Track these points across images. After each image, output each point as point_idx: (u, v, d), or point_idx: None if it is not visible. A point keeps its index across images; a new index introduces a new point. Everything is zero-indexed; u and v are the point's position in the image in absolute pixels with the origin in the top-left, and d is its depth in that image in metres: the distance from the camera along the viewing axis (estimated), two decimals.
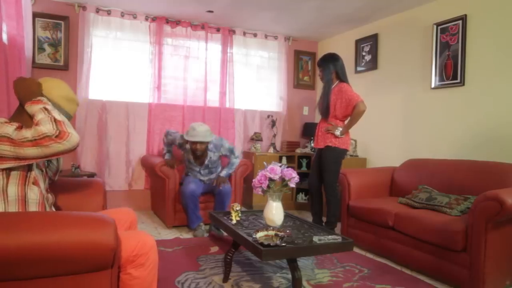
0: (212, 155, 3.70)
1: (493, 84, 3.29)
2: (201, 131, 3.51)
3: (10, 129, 1.43)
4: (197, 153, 3.59)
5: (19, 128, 1.46)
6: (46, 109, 1.49)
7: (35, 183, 1.58)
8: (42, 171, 1.68)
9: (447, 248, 2.49)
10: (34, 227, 1.27)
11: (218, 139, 3.78)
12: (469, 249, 2.37)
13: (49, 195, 1.72)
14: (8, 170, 1.48)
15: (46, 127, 1.42)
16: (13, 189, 1.50)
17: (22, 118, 1.58)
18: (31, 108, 1.52)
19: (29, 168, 1.56)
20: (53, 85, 1.65)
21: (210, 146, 3.68)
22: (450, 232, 2.45)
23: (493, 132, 3.28)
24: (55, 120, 1.46)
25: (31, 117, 1.56)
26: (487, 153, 3.29)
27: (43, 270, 1.29)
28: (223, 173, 3.77)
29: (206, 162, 3.71)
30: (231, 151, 3.81)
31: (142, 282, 1.59)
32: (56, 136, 1.41)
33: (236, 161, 3.85)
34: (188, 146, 3.67)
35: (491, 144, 3.29)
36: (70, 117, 1.72)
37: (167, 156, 3.96)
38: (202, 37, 4.84)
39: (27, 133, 1.41)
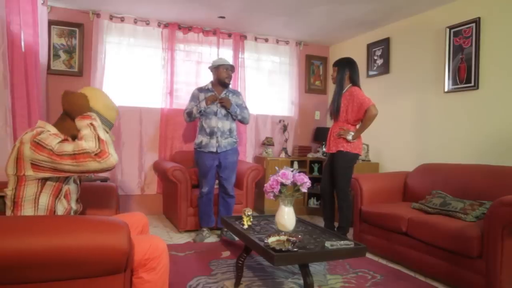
0: (230, 96, 3.64)
1: (507, 87, 3.24)
2: (226, 59, 3.68)
3: (54, 142, 1.47)
4: (226, 80, 3.60)
5: (64, 141, 1.50)
6: (92, 125, 1.53)
7: (66, 196, 1.63)
8: (77, 184, 1.73)
9: (462, 254, 2.45)
10: (48, 231, 1.29)
11: (236, 90, 3.98)
12: (485, 256, 2.32)
13: (79, 205, 1.76)
14: (43, 180, 1.53)
15: (89, 144, 1.46)
16: (44, 199, 1.54)
17: (65, 124, 1.63)
18: (79, 122, 1.56)
19: (65, 181, 1.62)
20: (93, 95, 1.69)
21: (230, 89, 3.72)
22: (465, 238, 2.41)
23: (508, 136, 3.23)
24: (99, 138, 1.49)
25: (74, 125, 1.61)
26: (502, 157, 3.23)
27: (56, 274, 1.31)
28: (233, 105, 3.61)
29: (224, 94, 3.64)
30: (246, 106, 3.76)
31: (154, 286, 1.60)
32: (96, 154, 1.45)
33: (247, 119, 3.75)
34: (203, 96, 3.61)
35: (506, 148, 3.23)
36: (112, 125, 1.76)
37: (200, 107, 3.56)
38: (214, 42, 4.88)
39: (69, 147, 1.45)
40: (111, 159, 1.48)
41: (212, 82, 3.70)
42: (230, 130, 3.63)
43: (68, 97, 1.62)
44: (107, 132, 1.68)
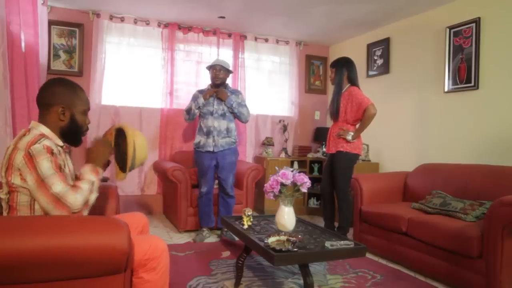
0: (229, 95, 3.63)
1: (508, 87, 3.24)
2: (222, 60, 3.70)
3: (45, 166, 1.46)
4: (216, 81, 3.60)
5: (57, 167, 1.49)
6: (93, 184, 1.62)
7: None
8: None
9: (462, 254, 2.45)
10: (48, 231, 1.29)
11: (237, 89, 3.94)
12: (485, 256, 2.32)
13: None
14: None
15: (77, 200, 1.50)
16: (39, 205, 1.52)
17: (51, 121, 1.62)
18: (87, 172, 1.64)
19: None
20: (140, 145, 1.79)
21: (230, 89, 3.72)
22: (465, 238, 2.41)
23: (508, 136, 3.23)
24: (87, 201, 1.57)
25: (58, 118, 1.61)
26: (502, 157, 3.23)
27: (56, 274, 1.31)
28: (230, 97, 3.60)
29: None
30: (245, 104, 3.73)
31: (154, 286, 1.60)
32: (73, 212, 1.50)
33: (245, 116, 3.68)
34: (201, 99, 3.63)
35: (506, 148, 3.23)
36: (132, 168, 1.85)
37: (199, 103, 3.61)
38: (213, 42, 4.88)
39: (58, 187, 1.46)
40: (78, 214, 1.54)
41: (210, 84, 3.73)
42: (228, 130, 3.63)
43: (100, 148, 1.73)
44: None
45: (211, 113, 3.60)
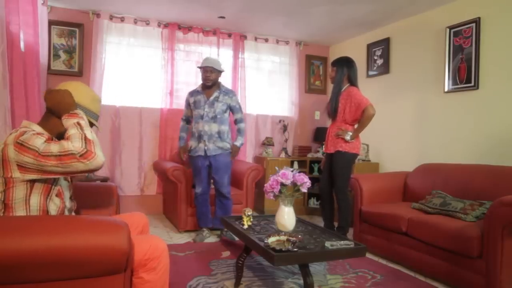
0: (221, 97, 3.56)
1: (507, 87, 3.24)
2: (212, 59, 3.57)
3: (38, 142, 1.43)
4: (207, 83, 3.51)
5: (49, 140, 1.46)
6: (79, 124, 1.50)
7: (59, 195, 1.60)
8: (69, 182, 1.72)
9: (462, 254, 2.45)
10: (48, 231, 1.29)
11: (231, 90, 3.79)
12: (485, 256, 2.32)
13: (72, 202, 1.74)
14: (32, 181, 1.49)
15: (74, 145, 1.42)
16: (35, 200, 1.52)
17: (50, 123, 1.61)
18: (66, 121, 1.52)
19: (54, 181, 1.58)
20: (76, 89, 1.64)
21: (222, 89, 3.61)
22: (465, 238, 2.40)
23: (508, 136, 3.23)
24: (85, 138, 1.45)
25: (59, 122, 1.58)
26: (502, 157, 3.23)
27: (56, 274, 1.31)
28: (237, 143, 3.65)
29: (214, 95, 3.54)
30: (240, 107, 3.71)
31: (154, 286, 1.60)
32: (81, 155, 1.41)
33: (243, 126, 3.73)
34: (192, 99, 3.63)
35: (506, 149, 3.23)
36: (98, 116, 1.74)
37: (180, 143, 3.83)
38: (213, 42, 4.88)
39: (54, 148, 1.41)
40: (97, 159, 1.44)
41: (201, 84, 3.64)
42: (219, 133, 3.54)
43: (53, 95, 1.57)
44: (94, 124, 1.66)
45: (201, 117, 3.52)
